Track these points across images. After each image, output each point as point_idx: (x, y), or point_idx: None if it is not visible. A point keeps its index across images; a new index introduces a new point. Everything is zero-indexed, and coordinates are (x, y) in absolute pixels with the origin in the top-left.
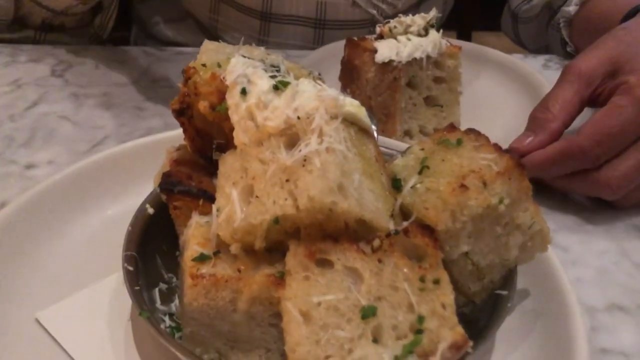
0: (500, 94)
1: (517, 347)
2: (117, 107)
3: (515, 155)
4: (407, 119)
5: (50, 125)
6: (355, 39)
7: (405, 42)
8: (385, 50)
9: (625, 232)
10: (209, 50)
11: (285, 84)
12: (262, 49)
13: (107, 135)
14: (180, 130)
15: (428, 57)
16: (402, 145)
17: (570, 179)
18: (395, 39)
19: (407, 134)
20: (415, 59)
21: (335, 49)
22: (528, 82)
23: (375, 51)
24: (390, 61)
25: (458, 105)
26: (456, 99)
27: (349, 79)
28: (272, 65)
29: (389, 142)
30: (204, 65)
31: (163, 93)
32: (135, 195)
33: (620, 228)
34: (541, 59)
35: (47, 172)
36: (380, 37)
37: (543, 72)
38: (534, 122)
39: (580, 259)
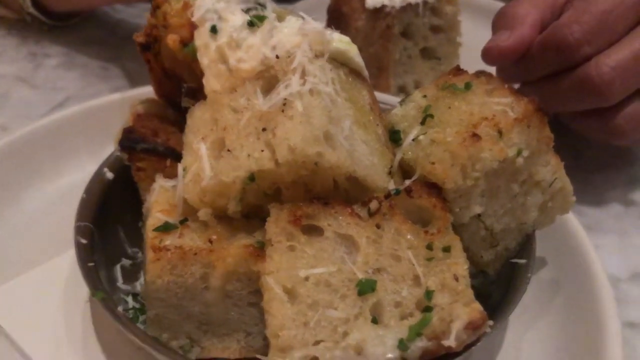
0: None
1: (534, 323)
2: (80, 67)
3: (494, 58)
4: (401, 73)
5: (4, 87)
6: None
7: None
8: None
9: None
10: None
11: (262, 19)
12: None
13: (68, 97)
14: (149, 88)
15: (425, 2)
16: (396, 102)
17: (558, 80)
18: None
19: (402, 90)
20: (410, 4)
21: None
22: None
23: None
24: (383, 7)
25: (457, 58)
26: (455, 51)
27: (336, 29)
28: (259, 3)
29: (382, 99)
30: None
31: (131, 52)
32: (96, 161)
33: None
34: None
35: None
36: None
37: None
38: (505, 18)
39: (598, 223)
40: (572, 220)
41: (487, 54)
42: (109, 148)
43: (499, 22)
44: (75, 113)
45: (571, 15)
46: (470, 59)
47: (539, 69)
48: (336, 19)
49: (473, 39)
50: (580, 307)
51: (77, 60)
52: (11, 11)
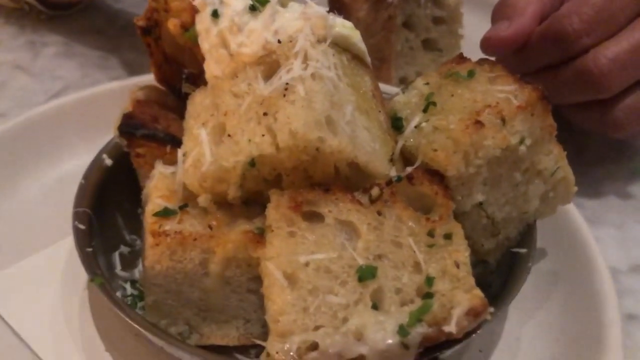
0: None
1: (533, 314)
2: (78, 56)
3: (493, 48)
4: (403, 65)
5: (2, 76)
6: None
7: None
8: None
9: None
10: None
11: (264, 3)
12: None
13: (66, 86)
14: (148, 76)
15: None
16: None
17: (557, 71)
18: None
19: (403, 81)
20: None
21: None
22: None
23: None
24: None
25: (459, 50)
26: (457, 43)
27: None
28: None
29: (383, 90)
30: None
31: (130, 42)
32: (93, 149)
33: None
34: None
35: None
36: None
37: None
38: (505, 9)
39: (597, 216)
40: (573, 211)
41: (486, 44)
42: (107, 137)
43: (499, 12)
44: (74, 101)
45: (571, 6)
46: (472, 51)
47: (538, 60)
48: (337, 9)
49: (474, 31)
50: (580, 298)
51: (76, 49)
52: (9, 0)
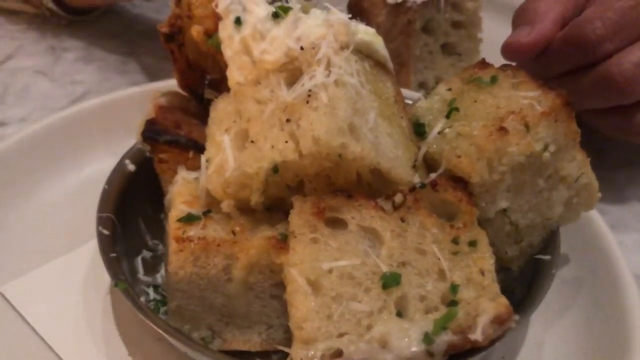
0: None
1: (556, 320)
2: (98, 61)
3: (514, 54)
4: (422, 69)
5: (24, 81)
6: None
7: None
8: None
9: None
10: None
11: (286, 10)
12: None
13: (86, 90)
14: (169, 82)
15: None
16: (417, 97)
17: (579, 77)
18: None
19: (422, 86)
20: None
21: None
22: None
23: None
24: (404, 2)
25: (478, 55)
26: (476, 47)
27: None
28: None
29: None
30: None
31: (149, 47)
32: (116, 153)
33: None
34: None
35: (19, 130)
36: None
37: None
38: (527, 14)
39: (620, 221)
40: (596, 217)
41: (507, 50)
42: (128, 141)
43: (520, 17)
44: (95, 106)
45: (594, 11)
46: (491, 56)
47: (560, 66)
48: (357, 14)
49: (494, 35)
50: (604, 304)
51: (96, 54)
52: (30, 6)
